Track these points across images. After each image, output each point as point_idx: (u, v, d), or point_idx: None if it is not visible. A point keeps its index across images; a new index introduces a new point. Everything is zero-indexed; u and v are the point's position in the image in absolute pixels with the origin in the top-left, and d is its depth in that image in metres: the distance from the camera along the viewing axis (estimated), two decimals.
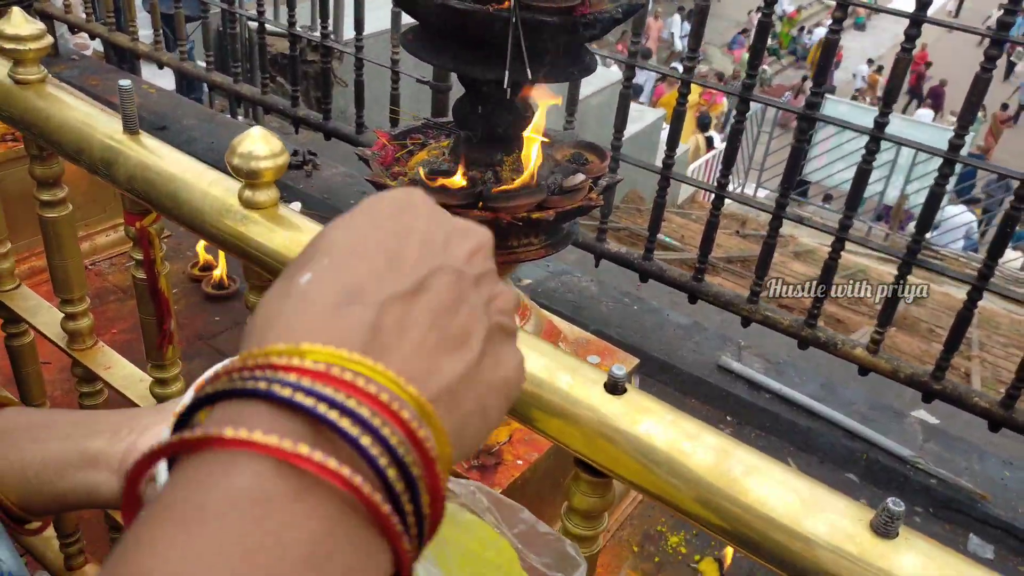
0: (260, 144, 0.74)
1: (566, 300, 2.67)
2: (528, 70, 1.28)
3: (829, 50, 2.00)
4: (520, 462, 1.62)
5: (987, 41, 1.78)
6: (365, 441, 0.28)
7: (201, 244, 2.37)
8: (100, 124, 0.88)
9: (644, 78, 11.85)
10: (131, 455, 0.57)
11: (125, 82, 0.84)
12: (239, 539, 0.25)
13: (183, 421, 0.31)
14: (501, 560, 0.58)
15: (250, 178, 0.75)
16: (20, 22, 0.92)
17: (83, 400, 1.17)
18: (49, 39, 0.93)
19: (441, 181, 1.40)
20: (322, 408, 0.28)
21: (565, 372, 0.62)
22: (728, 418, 2.34)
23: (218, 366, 0.33)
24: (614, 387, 0.60)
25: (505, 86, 1.27)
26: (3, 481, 0.57)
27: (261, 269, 0.78)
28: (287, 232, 0.76)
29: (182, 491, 0.27)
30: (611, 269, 2.63)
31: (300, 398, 0.28)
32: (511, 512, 0.57)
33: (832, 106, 10.03)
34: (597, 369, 0.63)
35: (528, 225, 1.45)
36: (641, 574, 1.81)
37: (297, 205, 2.91)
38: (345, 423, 0.28)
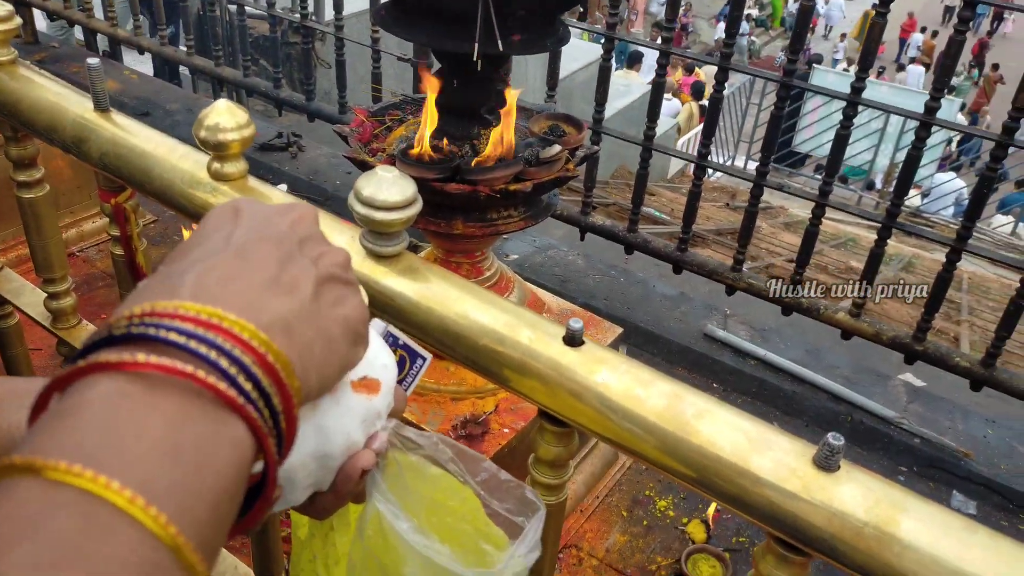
0: (226, 116, 0.75)
1: (553, 274, 2.69)
2: (499, 42, 1.29)
3: (804, 17, 2.01)
4: (507, 430, 1.64)
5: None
6: (182, 340, 0.36)
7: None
8: (71, 103, 0.89)
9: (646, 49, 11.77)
10: None
11: (94, 60, 0.85)
12: (105, 422, 0.33)
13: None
14: (465, 509, 0.60)
15: (217, 150, 0.77)
16: None
17: None
18: (17, 20, 0.94)
19: (416, 154, 1.41)
20: (151, 331, 0.36)
21: (526, 328, 0.65)
22: (715, 385, 2.37)
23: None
24: (571, 339, 0.62)
25: (475, 58, 1.28)
26: None
27: None
28: None
29: (58, 403, 0.35)
30: (597, 243, 2.64)
31: (131, 330, 0.36)
32: (474, 462, 0.59)
33: (820, 75, 10.00)
34: (557, 324, 0.65)
35: (506, 197, 1.46)
36: (630, 537, 1.85)
37: (283, 187, 2.91)
38: (172, 336, 0.36)
